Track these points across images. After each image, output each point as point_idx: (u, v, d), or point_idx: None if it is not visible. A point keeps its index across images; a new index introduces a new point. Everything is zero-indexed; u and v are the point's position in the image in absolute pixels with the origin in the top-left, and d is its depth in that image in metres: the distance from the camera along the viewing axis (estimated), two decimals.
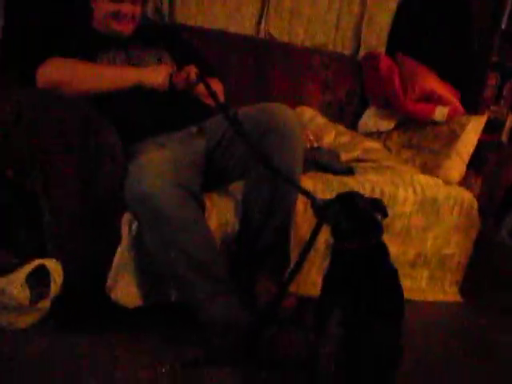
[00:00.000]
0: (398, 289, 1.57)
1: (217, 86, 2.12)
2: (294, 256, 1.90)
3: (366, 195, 1.69)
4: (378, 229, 1.60)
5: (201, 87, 1.94)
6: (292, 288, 1.80)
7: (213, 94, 1.85)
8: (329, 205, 1.60)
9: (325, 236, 2.04)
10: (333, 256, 1.63)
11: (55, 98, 1.70)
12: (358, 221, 1.57)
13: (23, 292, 1.67)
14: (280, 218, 1.84)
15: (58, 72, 1.85)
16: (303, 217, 2.03)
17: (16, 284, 1.66)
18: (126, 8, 1.98)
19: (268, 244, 1.84)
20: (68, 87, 1.82)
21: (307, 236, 1.67)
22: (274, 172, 1.73)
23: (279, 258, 1.88)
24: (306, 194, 1.68)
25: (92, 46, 1.96)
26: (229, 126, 1.82)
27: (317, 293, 1.96)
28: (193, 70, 1.92)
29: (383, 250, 1.60)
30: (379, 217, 1.63)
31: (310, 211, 1.75)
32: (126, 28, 2.01)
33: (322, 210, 1.62)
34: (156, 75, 1.90)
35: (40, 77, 1.84)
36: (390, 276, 1.58)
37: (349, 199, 1.61)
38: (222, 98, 2.19)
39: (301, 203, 1.98)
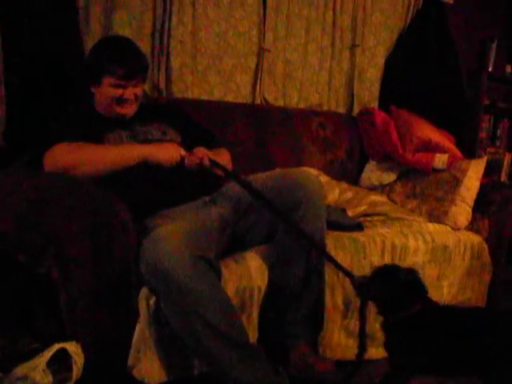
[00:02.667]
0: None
1: (225, 157, 2.18)
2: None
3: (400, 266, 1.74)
4: (423, 289, 1.67)
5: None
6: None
7: (230, 174, 1.95)
8: (369, 282, 1.67)
9: (343, 295, 2.05)
10: (389, 331, 1.68)
11: (70, 183, 1.73)
12: (402, 291, 1.64)
13: (46, 377, 1.65)
14: (316, 290, 1.87)
15: (64, 157, 1.87)
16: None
17: (38, 369, 1.64)
18: (129, 92, 2.00)
19: (304, 315, 1.84)
20: (75, 171, 1.84)
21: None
22: (312, 245, 1.79)
23: (315, 327, 1.88)
24: (347, 273, 1.73)
25: (97, 128, 1.99)
26: (242, 195, 1.88)
27: (342, 354, 1.99)
28: (205, 155, 1.96)
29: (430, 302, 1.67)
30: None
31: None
32: (130, 110, 2.04)
33: (364, 288, 1.68)
34: (163, 152, 1.93)
35: (47, 163, 1.87)
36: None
37: (387, 272, 1.68)
38: (230, 163, 2.24)
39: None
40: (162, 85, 2.75)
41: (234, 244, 1.93)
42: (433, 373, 1.72)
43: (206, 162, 1.95)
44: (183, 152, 1.96)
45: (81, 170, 1.85)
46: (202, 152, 1.97)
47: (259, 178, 1.97)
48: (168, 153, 1.94)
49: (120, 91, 1.98)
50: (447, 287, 2.40)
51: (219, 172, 1.98)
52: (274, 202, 1.82)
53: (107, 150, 1.94)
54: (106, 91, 1.99)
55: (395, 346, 1.69)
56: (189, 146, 2.02)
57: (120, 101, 2.00)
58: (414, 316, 1.63)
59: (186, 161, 1.95)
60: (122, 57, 1.98)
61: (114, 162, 1.90)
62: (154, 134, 2.08)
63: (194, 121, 2.31)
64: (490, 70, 3.86)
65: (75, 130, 1.96)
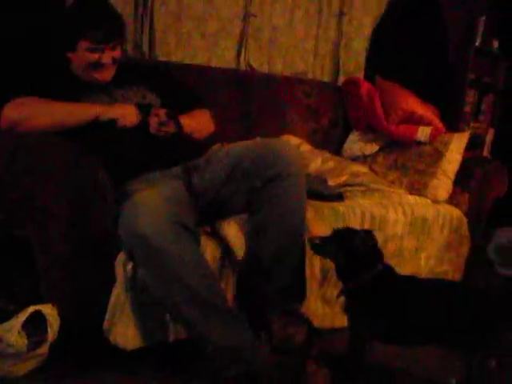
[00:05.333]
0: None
1: (202, 115, 2.17)
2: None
3: (358, 228, 1.83)
4: (378, 256, 1.74)
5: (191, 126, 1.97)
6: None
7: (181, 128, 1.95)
8: (326, 242, 1.75)
9: (320, 264, 2.06)
10: (348, 298, 1.76)
11: (46, 142, 1.69)
12: (356, 257, 1.70)
13: (20, 339, 1.65)
14: (296, 259, 1.87)
15: (11, 111, 1.83)
16: None
17: (13, 331, 1.64)
18: (106, 56, 1.94)
19: (283, 285, 1.84)
20: (21, 126, 1.80)
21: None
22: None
23: (295, 296, 1.88)
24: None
25: (72, 91, 1.94)
26: (222, 163, 1.88)
27: (320, 322, 2.07)
28: (162, 111, 1.94)
29: (390, 271, 1.74)
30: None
31: None
32: (107, 75, 1.98)
33: (320, 248, 1.76)
34: (119, 112, 1.91)
35: (2, 116, 1.83)
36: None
37: (345, 235, 1.74)
38: (210, 124, 2.23)
39: None
40: (145, 47, 2.71)
41: (213, 212, 1.91)
42: (390, 341, 1.77)
43: (162, 117, 1.93)
44: (139, 116, 1.93)
45: (28, 124, 1.81)
46: (158, 109, 1.95)
47: (239, 147, 1.94)
48: (123, 113, 1.91)
49: (96, 55, 1.92)
50: (425, 259, 2.42)
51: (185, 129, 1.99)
52: (253, 172, 1.82)
53: (59, 105, 1.88)
54: (82, 56, 1.93)
55: (353, 311, 1.75)
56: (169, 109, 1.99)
57: (97, 65, 1.94)
58: (370, 282, 1.70)
59: (150, 127, 1.93)
60: (97, 20, 1.91)
61: (64, 118, 1.86)
62: (132, 98, 2.04)
63: (175, 81, 2.27)
64: (477, 44, 3.84)
65: (47, 88, 1.91)
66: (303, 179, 1.88)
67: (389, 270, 1.75)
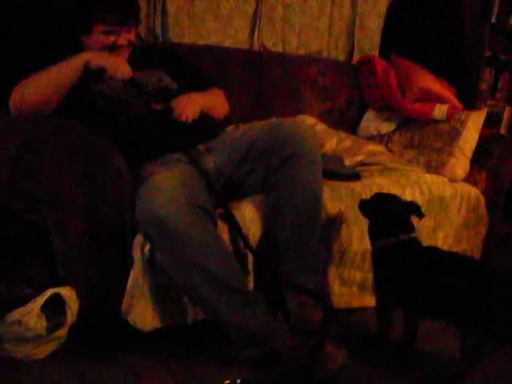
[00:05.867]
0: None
1: (218, 97, 2.16)
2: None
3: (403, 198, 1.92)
4: (410, 227, 1.80)
5: None
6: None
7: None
8: (367, 202, 1.89)
9: (338, 244, 2.05)
10: (373, 258, 1.85)
11: (59, 127, 1.69)
12: (392, 219, 1.81)
13: (40, 322, 1.66)
14: (312, 239, 1.86)
15: (17, 92, 1.79)
16: None
17: (32, 314, 1.65)
18: (122, 39, 1.93)
19: (299, 265, 1.84)
20: (26, 102, 1.77)
21: None
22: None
23: (312, 275, 1.87)
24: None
25: (86, 77, 1.89)
26: (237, 143, 1.89)
27: (337, 302, 2.07)
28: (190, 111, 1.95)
29: (416, 244, 1.79)
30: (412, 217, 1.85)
31: None
32: (123, 58, 1.96)
33: (365, 206, 1.90)
34: (108, 60, 1.87)
35: (9, 103, 1.80)
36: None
37: (386, 199, 1.85)
38: (225, 104, 2.23)
39: None
40: (158, 29, 2.69)
41: (229, 193, 1.91)
42: (408, 310, 1.82)
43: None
44: (130, 71, 1.92)
45: (28, 101, 1.77)
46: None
47: (254, 127, 1.94)
48: (113, 63, 1.88)
49: (112, 38, 1.91)
50: (442, 238, 2.40)
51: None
52: (269, 152, 1.82)
53: (47, 70, 1.82)
54: (97, 39, 1.91)
55: (380, 273, 1.82)
56: (183, 91, 1.98)
57: (112, 48, 1.92)
58: (398, 245, 1.77)
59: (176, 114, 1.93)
60: (112, 2, 1.90)
61: (57, 79, 1.81)
62: (148, 81, 2.02)
63: (188, 64, 2.26)
64: (493, 21, 3.78)
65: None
66: (319, 158, 1.87)
67: (415, 241, 1.80)
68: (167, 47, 2.57)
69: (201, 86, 2.14)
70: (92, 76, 1.87)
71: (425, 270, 1.69)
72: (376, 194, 1.91)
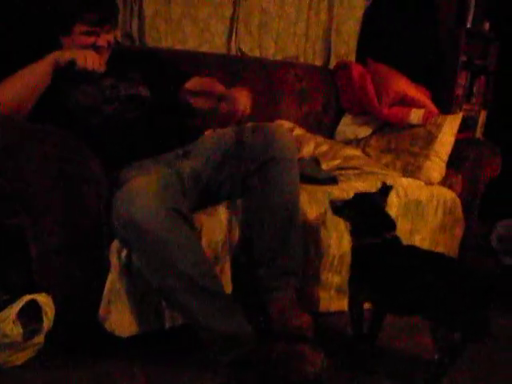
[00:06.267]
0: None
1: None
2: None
3: (376, 191, 1.93)
4: (392, 224, 1.82)
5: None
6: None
7: None
8: (346, 204, 1.87)
9: (315, 249, 2.06)
10: (354, 255, 1.85)
11: (34, 130, 1.68)
12: (374, 218, 1.82)
13: (16, 329, 1.64)
14: (292, 243, 1.86)
15: None
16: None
17: (8, 321, 1.63)
18: (102, 39, 1.91)
19: (279, 269, 1.83)
20: (9, 105, 1.75)
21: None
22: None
23: (291, 279, 1.87)
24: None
25: (60, 77, 1.87)
26: (215, 148, 1.87)
27: (317, 306, 2.10)
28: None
29: (399, 242, 1.80)
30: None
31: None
32: (103, 60, 1.94)
33: (341, 210, 1.88)
34: (77, 53, 1.84)
35: None
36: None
37: (364, 199, 1.86)
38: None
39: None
40: (135, 33, 2.68)
41: (206, 198, 1.91)
42: (384, 308, 1.85)
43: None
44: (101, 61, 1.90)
45: (2, 103, 1.75)
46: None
47: (231, 132, 1.93)
48: (81, 54, 1.85)
49: (92, 39, 1.90)
50: (419, 241, 2.41)
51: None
52: (246, 157, 1.82)
53: (20, 72, 1.80)
54: (77, 39, 1.89)
55: (357, 271, 1.84)
56: (157, 98, 1.97)
57: (93, 49, 1.90)
58: (380, 245, 1.77)
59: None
60: (93, 2, 1.88)
61: (29, 79, 1.79)
62: (121, 87, 2.00)
63: (167, 66, 2.23)
64: (468, 26, 3.83)
65: None
66: (296, 162, 1.87)
67: (397, 240, 1.81)
68: (145, 51, 2.56)
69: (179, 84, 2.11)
70: (65, 74, 1.84)
71: (406, 269, 1.70)
72: (356, 195, 1.90)
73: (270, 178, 1.81)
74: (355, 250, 1.85)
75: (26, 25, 2.20)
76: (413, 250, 1.84)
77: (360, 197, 1.89)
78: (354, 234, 1.86)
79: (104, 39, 1.92)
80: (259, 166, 1.81)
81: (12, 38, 2.17)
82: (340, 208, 1.88)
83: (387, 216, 1.85)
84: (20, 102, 1.78)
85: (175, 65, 2.26)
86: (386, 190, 1.90)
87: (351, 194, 2.15)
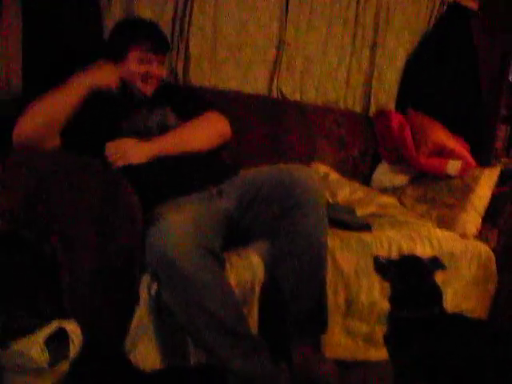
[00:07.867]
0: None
1: (202, 122, 2.11)
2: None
3: (425, 258, 1.69)
4: (438, 297, 1.61)
5: None
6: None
7: None
8: (392, 264, 1.66)
9: (344, 295, 2.04)
10: (391, 324, 1.65)
11: (73, 162, 1.71)
12: (421, 287, 1.60)
13: (42, 354, 1.64)
14: (317, 289, 1.85)
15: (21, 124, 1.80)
16: None
17: (35, 346, 1.64)
18: (155, 68, 1.98)
19: (305, 315, 1.82)
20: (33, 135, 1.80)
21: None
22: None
23: (316, 325, 1.86)
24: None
25: (113, 113, 1.94)
26: (246, 188, 1.89)
27: (342, 353, 2.02)
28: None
29: (445, 320, 1.58)
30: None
31: None
32: (150, 89, 2.01)
33: (385, 269, 1.67)
34: (98, 77, 1.88)
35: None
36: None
37: (411, 263, 1.65)
38: (221, 125, 2.18)
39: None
40: (180, 71, 2.74)
41: (237, 238, 1.92)
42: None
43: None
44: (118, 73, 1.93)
45: (28, 129, 1.79)
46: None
47: (262, 173, 1.95)
48: (101, 75, 1.89)
49: (146, 67, 1.96)
50: (451, 295, 2.37)
51: None
52: (274, 198, 1.83)
53: (51, 95, 1.83)
54: (131, 66, 1.96)
55: (396, 343, 1.63)
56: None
57: (145, 78, 1.97)
58: (421, 320, 1.56)
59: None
60: (149, 30, 1.98)
61: (65, 99, 1.83)
62: (153, 118, 2.04)
63: (185, 92, 2.29)
64: (510, 79, 3.82)
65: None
66: (322, 208, 1.86)
67: (444, 313, 1.61)
68: (172, 84, 2.60)
69: (194, 112, 2.12)
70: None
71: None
72: (404, 256, 1.75)
73: (293, 223, 1.80)
74: (395, 321, 1.64)
75: (82, 53, 2.22)
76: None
77: (408, 259, 1.71)
78: (393, 300, 1.65)
79: (156, 69, 1.98)
80: (284, 209, 1.81)
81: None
82: (385, 266, 1.68)
83: (436, 287, 1.63)
84: (45, 128, 1.82)
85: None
86: (439, 262, 1.68)
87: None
